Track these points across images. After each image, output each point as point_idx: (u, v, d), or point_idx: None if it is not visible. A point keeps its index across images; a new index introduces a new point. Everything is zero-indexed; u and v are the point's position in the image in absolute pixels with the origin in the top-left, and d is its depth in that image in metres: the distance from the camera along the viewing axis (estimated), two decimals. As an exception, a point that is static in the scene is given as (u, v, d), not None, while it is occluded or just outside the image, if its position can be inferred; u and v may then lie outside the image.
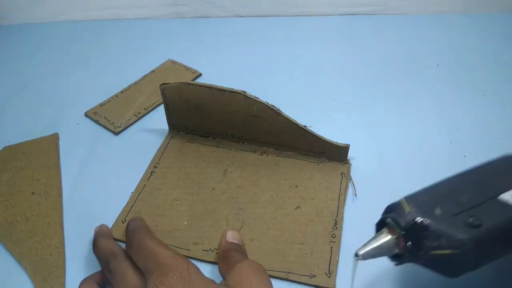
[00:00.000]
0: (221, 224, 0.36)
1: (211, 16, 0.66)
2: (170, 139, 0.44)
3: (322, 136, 0.39)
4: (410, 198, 0.26)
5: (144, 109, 0.48)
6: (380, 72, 0.53)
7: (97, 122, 0.47)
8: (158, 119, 0.47)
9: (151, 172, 0.40)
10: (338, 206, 0.37)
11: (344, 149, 0.39)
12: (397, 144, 0.43)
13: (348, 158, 0.40)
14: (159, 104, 0.49)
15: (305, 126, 0.39)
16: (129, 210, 0.37)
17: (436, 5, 0.64)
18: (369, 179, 0.40)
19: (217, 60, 0.57)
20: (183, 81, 0.39)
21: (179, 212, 0.37)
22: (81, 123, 0.48)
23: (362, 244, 0.25)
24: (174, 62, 0.56)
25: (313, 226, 0.35)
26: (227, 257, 0.28)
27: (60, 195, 0.39)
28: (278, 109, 0.38)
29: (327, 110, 0.48)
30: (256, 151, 0.42)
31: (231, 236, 0.30)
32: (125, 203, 0.38)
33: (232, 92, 0.37)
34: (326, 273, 0.32)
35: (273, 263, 0.33)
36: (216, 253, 0.33)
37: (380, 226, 0.26)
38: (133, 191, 0.39)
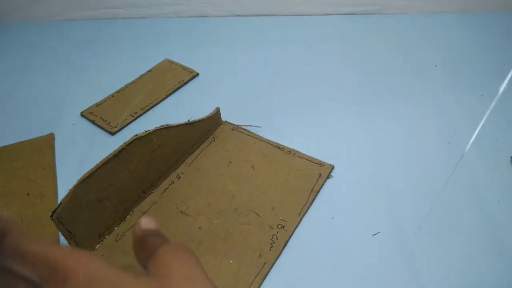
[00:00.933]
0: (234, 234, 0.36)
1: (208, 16, 0.66)
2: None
3: (201, 118, 0.42)
4: None
5: (141, 109, 0.48)
6: (378, 72, 0.53)
7: (93, 122, 0.47)
8: (155, 119, 0.47)
9: None
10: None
11: (216, 114, 0.44)
12: (395, 144, 0.43)
13: (223, 120, 0.45)
14: (156, 104, 0.49)
15: (188, 120, 0.40)
16: None
17: (434, 4, 0.64)
18: (366, 179, 0.39)
19: (214, 59, 0.56)
20: (75, 185, 0.33)
21: None
22: (77, 123, 0.47)
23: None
24: (171, 62, 0.56)
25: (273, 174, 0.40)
26: (145, 245, 0.23)
27: (55, 195, 0.39)
28: (165, 125, 0.38)
29: (324, 109, 0.47)
30: (173, 181, 0.40)
31: (146, 222, 0.24)
32: None
33: (127, 146, 0.35)
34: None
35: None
36: None
37: None
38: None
